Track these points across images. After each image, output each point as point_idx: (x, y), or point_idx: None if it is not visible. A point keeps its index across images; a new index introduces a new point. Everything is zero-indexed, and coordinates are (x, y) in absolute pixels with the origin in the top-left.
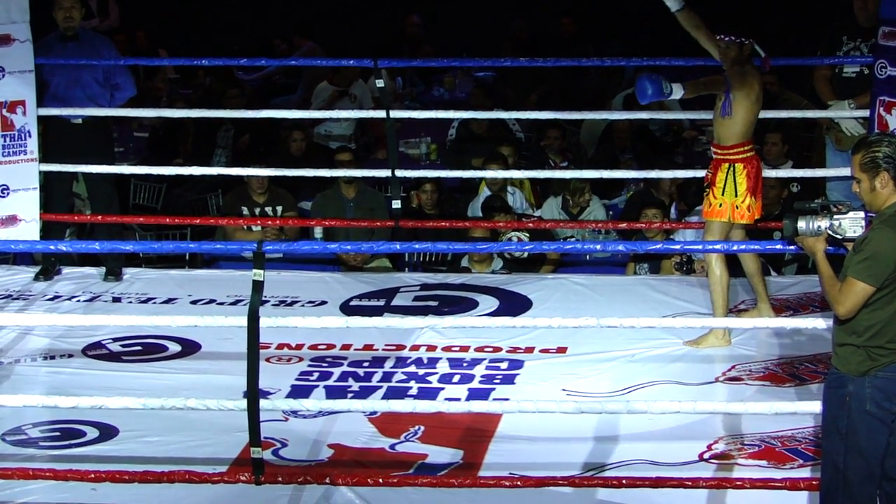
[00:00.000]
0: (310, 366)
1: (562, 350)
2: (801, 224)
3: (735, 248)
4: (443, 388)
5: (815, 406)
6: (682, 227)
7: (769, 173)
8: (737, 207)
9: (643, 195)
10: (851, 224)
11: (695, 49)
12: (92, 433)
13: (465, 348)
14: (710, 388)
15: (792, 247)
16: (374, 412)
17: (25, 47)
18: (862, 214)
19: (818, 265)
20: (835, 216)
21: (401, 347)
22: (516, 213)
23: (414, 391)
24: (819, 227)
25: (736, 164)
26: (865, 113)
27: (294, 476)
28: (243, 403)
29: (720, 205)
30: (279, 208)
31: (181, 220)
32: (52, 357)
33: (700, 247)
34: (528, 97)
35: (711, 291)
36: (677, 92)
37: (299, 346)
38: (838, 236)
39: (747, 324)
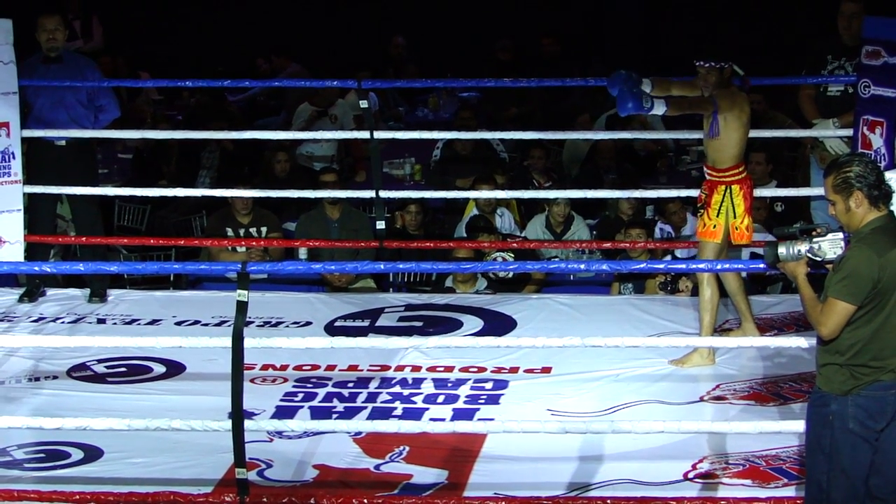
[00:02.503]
0: (294, 386)
1: (546, 370)
2: (782, 249)
3: (719, 266)
4: (427, 409)
5: (799, 425)
6: (666, 246)
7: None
8: (736, 228)
9: (613, 220)
10: (831, 246)
11: (679, 69)
12: (77, 454)
13: (449, 368)
14: (694, 407)
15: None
16: (359, 433)
17: (9, 69)
18: (841, 236)
19: (800, 288)
20: (814, 239)
21: (385, 368)
22: (501, 234)
23: (399, 411)
24: (799, 251)
25: (733, 186)
26: (850, 132)
27: (279, 497)
28: (228, 424)
29: (714, 226)
30: (263, 229)
31: (165, 242)
32: (37, 379)
33: (684, 266)
34: (511, 117)
35: (701, 310)
36: (659, 108)
37: (284, 367)
38: (818, 259)
39: (731, 343)
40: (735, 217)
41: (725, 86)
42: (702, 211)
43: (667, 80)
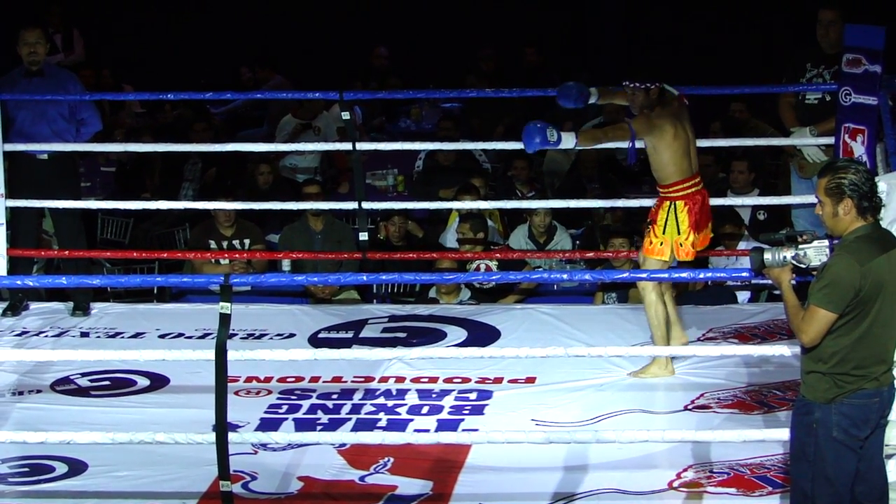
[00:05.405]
0: (278, 398)
1: (530, 380)
2: (768, 256)
3: (701, 275)
4: (412, 420)
5: (784, 433)
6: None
7: (735, 200)
8: (680, 245)
9: (595, 229)
10: (816, 253)
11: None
12: (61, 468)
13: (433, 379)
14: (678, 416)
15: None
16: (344, 444)
17: None
18: (826, 243)
19: (784, 295)
20: (799, 246)
21: (370, 379)
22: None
23: (383, 423)
24: (784, 257)
25: (676, 203)
26: (828, 140)
27: None
28: (212, 437)
29: (661, 243)
30: (247, 241)
31: (149, 255)
32: (21, 393)
33: (666, 275)
34: (494, 128)
35: (650, 322)
36: (567, 141)
37: (268, 379)
38: (803, 266)
39: (715, 351)
40: (679, 233)
41: (652, 106)
42: (649, 227)
43: (612, 91)
